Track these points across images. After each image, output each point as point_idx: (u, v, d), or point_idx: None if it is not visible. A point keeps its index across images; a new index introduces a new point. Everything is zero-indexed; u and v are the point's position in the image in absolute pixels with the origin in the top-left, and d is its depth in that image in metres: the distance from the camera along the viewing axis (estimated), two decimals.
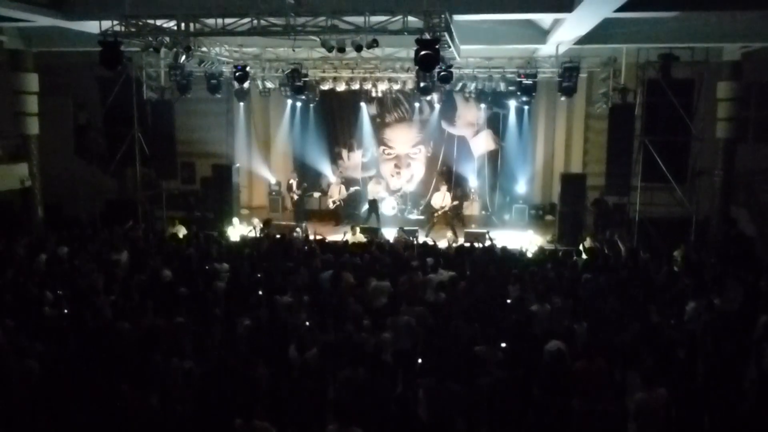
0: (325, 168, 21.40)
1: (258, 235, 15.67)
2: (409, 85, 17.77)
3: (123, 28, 11.48)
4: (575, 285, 11.02)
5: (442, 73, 14.19)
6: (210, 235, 15.72)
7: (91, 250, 13.38)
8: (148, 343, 7.70)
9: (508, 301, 10.25)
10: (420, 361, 8.21)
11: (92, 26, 12.34)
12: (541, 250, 14.71)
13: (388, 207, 20.29)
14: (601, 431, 6.62)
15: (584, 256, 13.90)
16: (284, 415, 6.50)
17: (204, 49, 14.46)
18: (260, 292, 10.34)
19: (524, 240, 16.38)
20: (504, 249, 14.03)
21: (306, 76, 16.96)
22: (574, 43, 14.53)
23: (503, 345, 8.15)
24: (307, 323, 9.06)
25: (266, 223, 16.47)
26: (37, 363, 7.16)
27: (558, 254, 14.28)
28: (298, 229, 17.22)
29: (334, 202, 19.74)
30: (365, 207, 20.05)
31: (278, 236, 15.06)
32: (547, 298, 9.68)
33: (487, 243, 14.77)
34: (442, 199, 18.56)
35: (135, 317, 8.80)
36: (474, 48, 15.19)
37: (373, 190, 19.37)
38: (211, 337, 8.44)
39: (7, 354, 7.39)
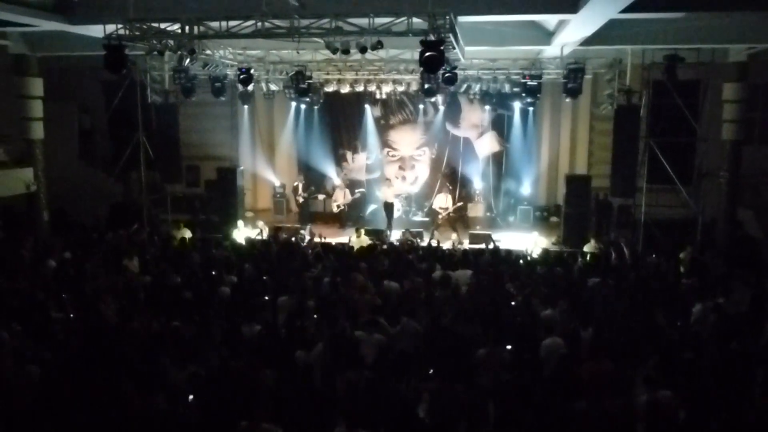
0: (330, 170, 21.41)
1: (264, 238, 15.67)
2: (414, 87, 17.72)
3: (127, 32, 11.48)
4: (580, 287, 10.97)
5: (447, 75, 14.15)
6: (216, 238, 15.72)
7: (96, 255, 13.38)
8: (153, 347, 7.68)
9: (513, 303, 10.21)
10: (423, 365, 8.17)
11: (96, 30, 12.33)
12: (546, 251, 14.65)
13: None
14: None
15: (588, 258, 13.87)
16: (290, 417, 6.46)
17: (208, 51, 14.44)
18: (266, 296, 10.33)
19: (529, 242, 16.32)
20: (509, 251, 14.00)
21: (310, 78, 16.93)
22: (579, 45, 14.50)
23: (508, 347, 8.11)
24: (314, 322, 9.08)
25: (276, 230, 16.51)
26: (38, 368, 7.14)
27: (563, 256, 14.23)
28: (302, 231, 17.22)
29: (338, 206, 19.72)
30: (371, 208, 20.12)
31: (284, 236, 15.07)
32: (555, 300, 9.64)
33: (491, 245, 14.74)
34: (445, 200, 18.53)
35: (140, 321, 8.79)
36: (478, 49, 15.16)
37: (387, 194, 19.24)
38: (214, 340, 8.41)
39: (12, 358, 7.38)
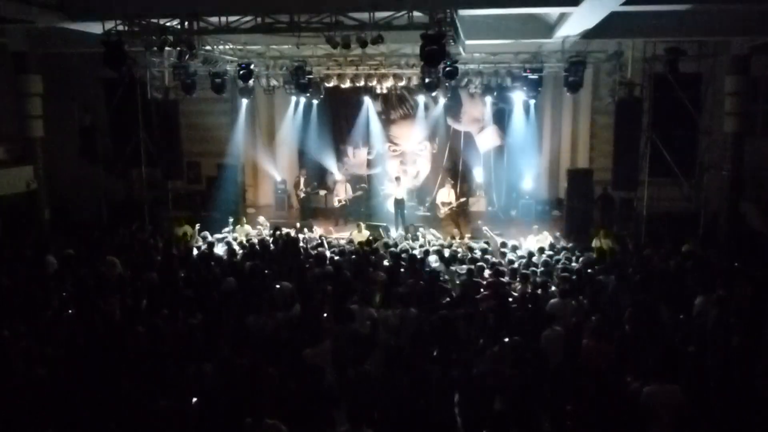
0: (331, 165, 21.39)
1: (266, 236, 15.65)
2: (414, 82, 17.66)
3: (126, 28, 11.45)
4: (591, 281, 10.98)
5: (448, 69, 14.11)
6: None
7: (99, 252, 13.35)
8: (159, 346, 7.67)
9: (516, 296, 10.21)
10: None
11: (95, 27, 12.31)
12: (551, 246, 14.62)
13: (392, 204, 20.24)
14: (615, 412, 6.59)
15: (602, 245, 13.88)
16: (294, 414, 6.45)
17: (208, 47, 14.41)
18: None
19: (531, 236, 16.27)
20: (515, 246, 14.01)
21: (310, 73, 16.86)
22: (580, 37, 14.45)
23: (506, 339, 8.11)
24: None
25: (276, 230, 16.51)
26: (45, 370, 7.13)
27: (566, 249, 14.20)
28: (305, 229, 17.16)
29: (339, 201, 19.69)
30: (373, 203, 20.10)
31: (288, 231, 15.09)
32: (564, 293, 9.65)
33: (483, 243, 14.72)
34: (447, 195, 18.49)
35: (145, 320, 8.77)
36: (479, 43, 15.12)
37: (397, 191, 19.10)
38: (220, 335, 8.40)
39: (17, 357, 7.37)
